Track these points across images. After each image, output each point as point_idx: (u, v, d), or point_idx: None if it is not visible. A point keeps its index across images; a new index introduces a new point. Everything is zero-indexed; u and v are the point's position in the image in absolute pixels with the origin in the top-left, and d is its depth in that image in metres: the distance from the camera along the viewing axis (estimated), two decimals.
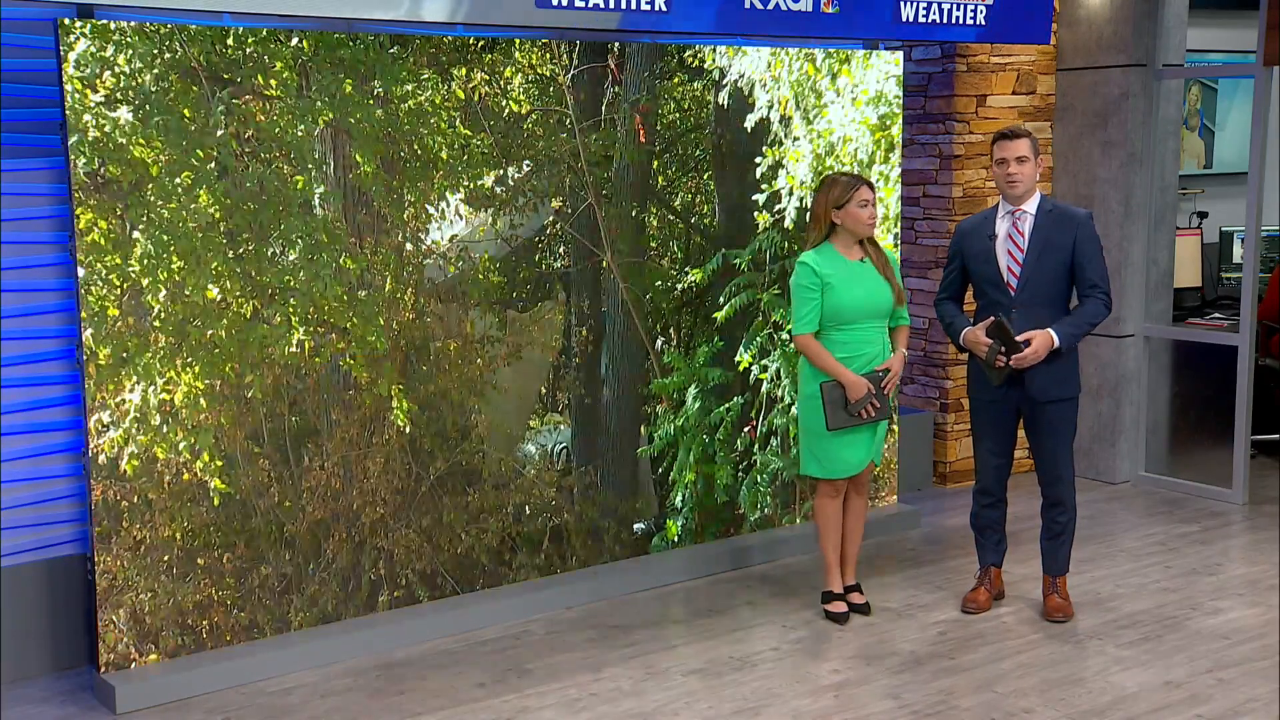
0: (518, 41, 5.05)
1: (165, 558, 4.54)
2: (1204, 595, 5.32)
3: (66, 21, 4.19)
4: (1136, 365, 7.00)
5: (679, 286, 5.62)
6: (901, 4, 5.68)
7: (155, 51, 4.34)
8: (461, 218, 5.01)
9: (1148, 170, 6.88)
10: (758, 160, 5.73)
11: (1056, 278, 4.91)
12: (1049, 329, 4.81)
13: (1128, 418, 7.03)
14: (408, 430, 4.95)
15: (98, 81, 4.26)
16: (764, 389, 5.88)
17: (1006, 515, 5.21)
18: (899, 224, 6.17)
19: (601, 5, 4.89)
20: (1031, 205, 4.91)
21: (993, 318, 4.83)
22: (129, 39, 4.29)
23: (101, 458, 4.40)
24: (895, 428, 6.03)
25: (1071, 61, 6.98)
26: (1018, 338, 4.79)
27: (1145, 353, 7.02)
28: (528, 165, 5.14)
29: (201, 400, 4.55)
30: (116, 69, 4.29)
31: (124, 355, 4.40)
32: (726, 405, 5.78)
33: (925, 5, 5.75)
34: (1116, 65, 6.79)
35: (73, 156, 4.27)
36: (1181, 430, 7.21)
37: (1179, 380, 7.14)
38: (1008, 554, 5.33)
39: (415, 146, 4.86)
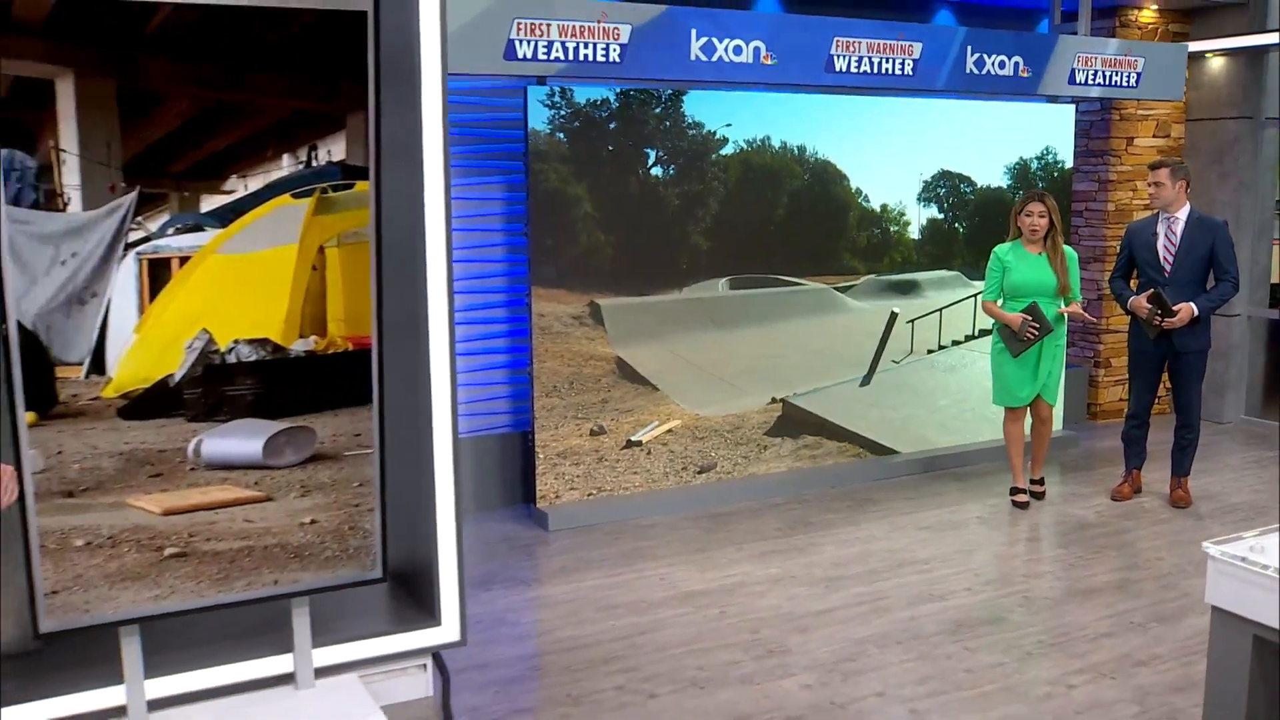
0: None
1: None
2: None
3: (530, 88, 5.31)
4: (1241, 337, 7.51)
5: None
6: (1075, 71, 6.28)
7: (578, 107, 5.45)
8: None
9: (1253, 195, 7.29)
10: None
11: (1198, 265, 5.47)
12: (1191, 302, 5.42)
13: (1233, 375, 7.52)
14: None
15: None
16: None
17: (1148, 436, 5.89)
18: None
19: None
20: (1183, 214, 5.51)
21: (1152, 289, 5.46)
22: (564, 98, 5.40)
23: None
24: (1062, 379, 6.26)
25: (1197, 113, 7.45)
26: (1173, 308, 5.39)
27: (1249, 328, 7.53)
28: None
29: None
30: (557, 119, 5.40)
31: None
32: None
33: (1092, 72, 6.35)
34: (1230, 117, 7.32)
35: (531, 179, 5.34)
36: (1274, 385, 7.58)
37: (1273, 348, 7.55)
38: (1145, 467, 5.96)
39: None
